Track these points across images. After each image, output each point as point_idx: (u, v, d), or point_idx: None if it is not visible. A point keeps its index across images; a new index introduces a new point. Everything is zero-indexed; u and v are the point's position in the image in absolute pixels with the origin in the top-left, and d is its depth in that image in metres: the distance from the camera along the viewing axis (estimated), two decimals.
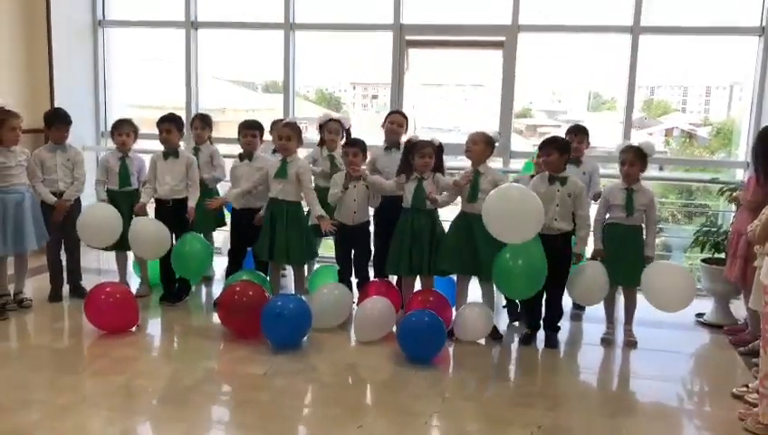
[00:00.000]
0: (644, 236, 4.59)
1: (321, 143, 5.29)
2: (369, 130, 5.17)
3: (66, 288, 5.30)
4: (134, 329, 4.65)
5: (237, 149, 5.19)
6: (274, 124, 5.42)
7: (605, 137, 6.62)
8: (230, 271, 5.10)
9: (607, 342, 4.66)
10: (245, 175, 5.01)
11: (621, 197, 4.52)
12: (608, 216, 4.63)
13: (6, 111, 4.76)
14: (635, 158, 4.48)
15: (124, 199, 5.16)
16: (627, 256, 4.54)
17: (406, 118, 5.15)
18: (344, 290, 4.80)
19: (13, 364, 4.13)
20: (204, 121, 5.54)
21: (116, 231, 4.99)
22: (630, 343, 4.62)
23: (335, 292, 4.75)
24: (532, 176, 4.79)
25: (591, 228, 4.55)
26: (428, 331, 4.17)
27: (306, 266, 5.37)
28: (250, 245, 5.04)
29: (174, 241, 5.10)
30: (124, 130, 5.15)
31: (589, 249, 4.65)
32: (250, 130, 5.08)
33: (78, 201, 5.21)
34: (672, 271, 4.51)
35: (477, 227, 4.39)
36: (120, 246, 5.16)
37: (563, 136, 4.77)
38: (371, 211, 5.03)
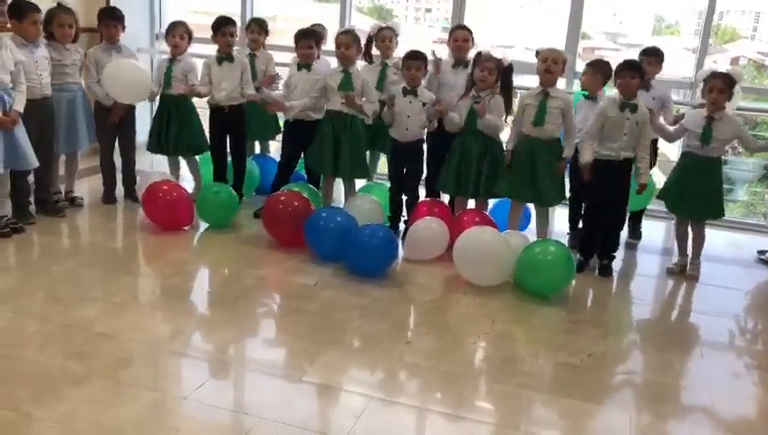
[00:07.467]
0: (722, 170, 4.41)
1: (369, 58, 5.13)
2: (418, 46, 4.95)
3: (121, 191, 5.34)
4: (187, 228, 4.73)
5: (287, 57, 5.06)
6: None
7: (667, 63, 6.25)
8: (278, 183, 5.05)
9: (672, 272, 4.56)
10: (301, 84, 4.91)
11: (700, 125, 4.29)
12: (686, 144, 4.45)
13: (58, 7, 4.73)
14: (724, 85, 4.21)
15: (166, 102, 5.13)
16: (702, 190, 4.36)
17: (471, 32, 4.93)
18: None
19: (69, 261, 4.21)
20: (260, 26, 5.45)
21: (142, 83, 4.93)
22: (692, 277, 4.50)
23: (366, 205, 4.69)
24: (587, 97, 4.69)
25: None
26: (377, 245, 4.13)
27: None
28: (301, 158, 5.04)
29: (229, 149, 5.12)
30: (177, 32, 5.05)
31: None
32: (307, 39, 4.94)
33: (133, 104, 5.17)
34: None
35: (541, 150, 4.31)
36: (171, 150, 5.23)
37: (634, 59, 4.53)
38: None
